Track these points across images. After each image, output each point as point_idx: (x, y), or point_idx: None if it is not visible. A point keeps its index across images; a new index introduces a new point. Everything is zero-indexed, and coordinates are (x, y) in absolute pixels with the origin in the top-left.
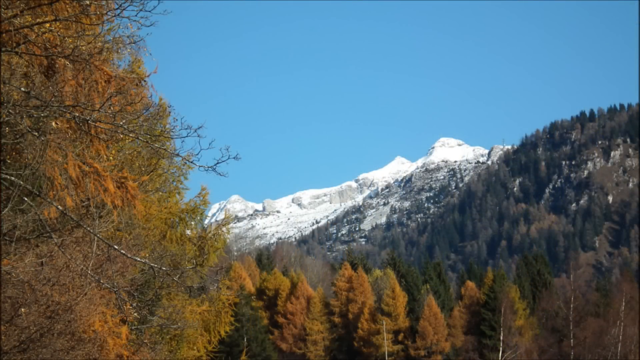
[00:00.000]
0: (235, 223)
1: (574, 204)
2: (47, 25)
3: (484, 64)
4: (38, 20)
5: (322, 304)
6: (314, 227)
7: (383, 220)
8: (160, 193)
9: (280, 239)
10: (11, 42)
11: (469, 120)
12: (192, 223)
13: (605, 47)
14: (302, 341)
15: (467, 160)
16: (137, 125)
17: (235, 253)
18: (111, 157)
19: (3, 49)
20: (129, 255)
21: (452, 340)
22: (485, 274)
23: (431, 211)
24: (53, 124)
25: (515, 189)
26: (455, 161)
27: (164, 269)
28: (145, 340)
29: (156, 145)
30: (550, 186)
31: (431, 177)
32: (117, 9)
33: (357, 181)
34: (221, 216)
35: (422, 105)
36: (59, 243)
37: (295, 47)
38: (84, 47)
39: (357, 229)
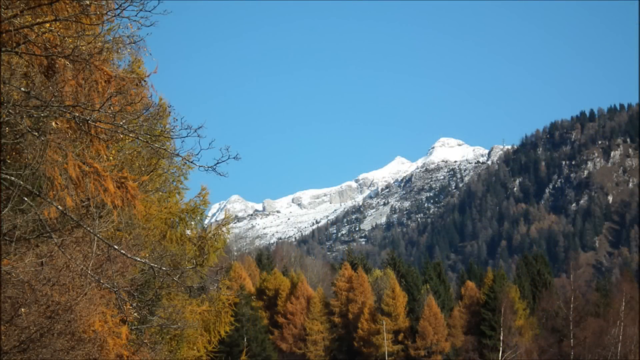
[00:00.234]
0: (235, 223)
1: (574, 204)
2: (47, 25)
3: (484, 64)
4: (38, 20)
5: (322, 304)
6: (314, 227)
7: (383, 220)
8: (160, 193)
9: (280, 239)
10: (11, 42)
11: (469, 120)
12: (192, 223)
13: (605, 47)
14: (302, 341)
15: (467, 160)
16: (137, 125)
17: (235, 253)
18: (111, 157)
19: (3, 49)
20: (129, 255)
21: (452, 340)
22: (485, 274)
23: (431, 211)
24: (53, 124)
25: (515, 189)
26: (455, 161)
27: (164, 269)
28: (145, 340)
29: (156, 145)
30: (550, 186)
31: (431, 177)
32: (117, 9)
33: (357, 181)
34: (221, 216)
35: (422, 105)
36: (59, 243)
37: (295, 47)
38: (84, 47)
39: (357, 229)
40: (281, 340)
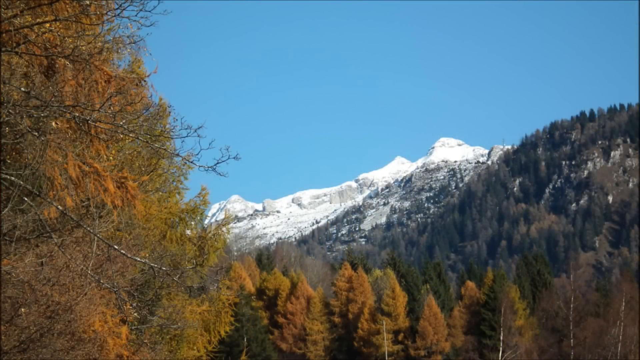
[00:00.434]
0: (235, 223)
1: (574, 204)
2: (47, 25)
3: (484, 64)
4: (38, 20)
5: (322, 304)
6: (314, 227)
7: (383, 220)
8: (160, 193)
9: (280, 239)
10: (11, 42)
11: (469, 120)
12: (192, 223)
13: (605, 47)
14: (302, 341)
15: (467, 160)
16: (137, 125)
17: (235, 253)
18: (111, 157)
19: (3, 49)
20: (129, 255)
21: (452, 340)
22: (485, 274)
23: (431, 211)
24: (53, 124)
25: (515, 189)
26: (455, 161)
27: (164, 269)
28: (145, 340)
29: (156, 145)
30: (550, 186)
31: (431, 177)
32: (117, 9)
33: (357, 181)
34: (221, 216)
35: (422, 105)
36: (59, 243)
37: (295, 47)
38: (84, 47)
39: (357, 229)
40: (281, 340)
